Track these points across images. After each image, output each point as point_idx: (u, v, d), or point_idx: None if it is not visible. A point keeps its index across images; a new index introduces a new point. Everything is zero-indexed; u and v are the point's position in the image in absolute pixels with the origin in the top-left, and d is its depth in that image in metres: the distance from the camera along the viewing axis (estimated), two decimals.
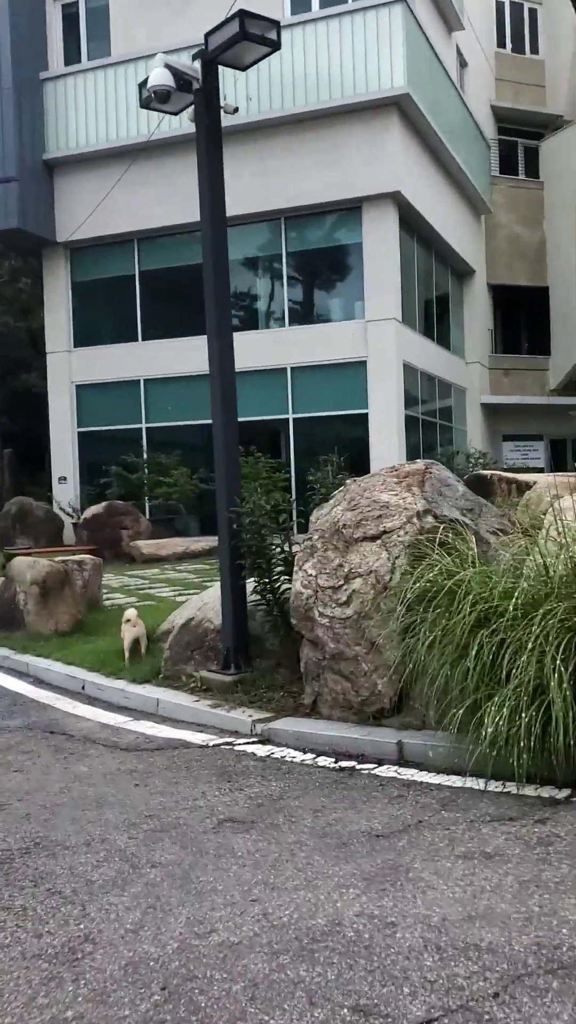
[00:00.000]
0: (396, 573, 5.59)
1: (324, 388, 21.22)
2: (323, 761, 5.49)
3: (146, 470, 21.21)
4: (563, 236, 28.94)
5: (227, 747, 5.97)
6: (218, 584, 8.36)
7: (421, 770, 5.14)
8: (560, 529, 4.98)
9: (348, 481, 6.78)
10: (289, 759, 5.60)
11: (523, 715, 4.33)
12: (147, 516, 20.35)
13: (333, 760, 5.48)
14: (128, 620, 8.08)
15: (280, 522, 7.02)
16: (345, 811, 4.61)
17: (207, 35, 7.18)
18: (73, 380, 23.29)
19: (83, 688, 7.84)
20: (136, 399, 22.79)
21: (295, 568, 6.34)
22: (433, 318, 24.43)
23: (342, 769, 5.32)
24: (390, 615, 5.52)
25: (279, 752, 5.75)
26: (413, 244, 22.43)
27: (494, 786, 4.71)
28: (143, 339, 22.85)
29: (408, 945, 3.21)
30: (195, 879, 3.91)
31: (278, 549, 7.04)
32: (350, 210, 21.07)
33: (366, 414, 20.74)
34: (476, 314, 27.80)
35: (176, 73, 7.11)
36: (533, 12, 31.21)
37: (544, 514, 6.02)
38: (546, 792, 4.59)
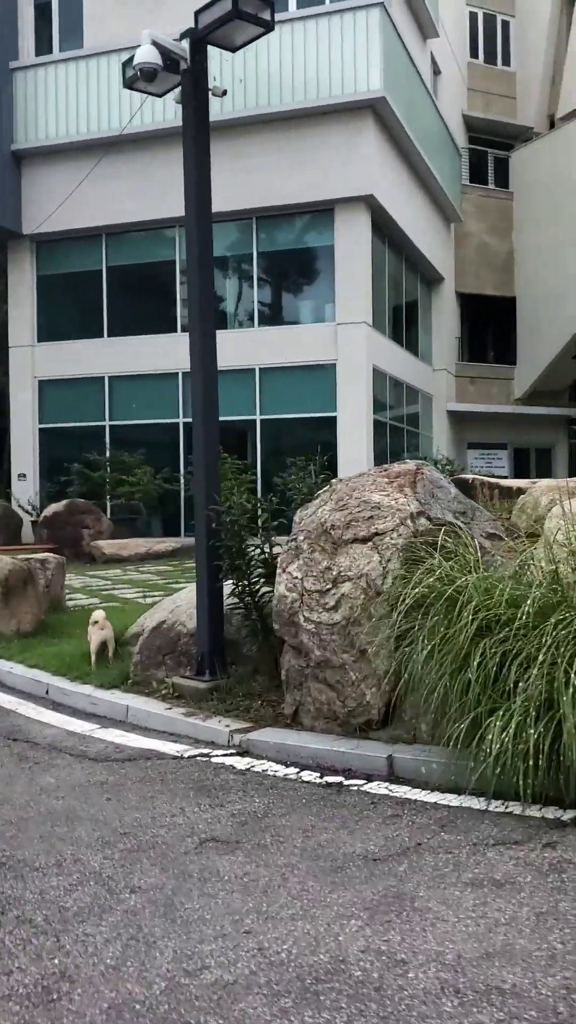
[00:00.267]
0: (389, 577, 5.30)
1: (292, 390, 20.95)
2: (308, 776, 5.17)
3: (108, 468, 20.77)
4: (531, 247, 28.99)
5: (203, 759, 5.63)
6: (190, 586, 8.04)
7: (414, 787, 4.85)
8: (570, 534, 4.72)
9: (334, 480, 6.49)
10: (271, 773, 5.28)
11: (531, 731, 4.05)
12: (108, 515, 19.92)
13: (318, 775, 5.16)
14: (95, 622, 7.71)
15: (261, 522, 6.70)
16: (337, 831, 4.30)
17: (197, 13, 6.85)
18: (36, 375, 22.78)
19: (47, 693, 7.46)
20: (100, 396, 22.34)
21: (278, 570, 6.02)
22: (402, 324, 24.26)
23: (329, 785, 5.00)
24: (381, 621, 5.23)
25: (259, 765, 5.43)
26: (384, 249, 22.26)
27: (495, 806, 4.42)
28: (109, 335, 22.41)
29: (423, 987, 2.90)
30: (180, 906, 3.58)
31: (258, 551, 6.72)
32: (322, 212, 20.83)
33: (334, 417, 20.50)
34: (444, 321, 27.72)
35: (163, 52, 6.78)
36: (506, 24, 31.28)
37: (542, 519, 5.77)
38: (550, 813, 4.31)
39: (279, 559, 6.07)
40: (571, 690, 3.98)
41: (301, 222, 21.49)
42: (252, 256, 21.50)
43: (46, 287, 23.09)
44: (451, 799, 4.61)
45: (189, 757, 5.68)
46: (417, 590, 4.69)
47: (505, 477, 27.00)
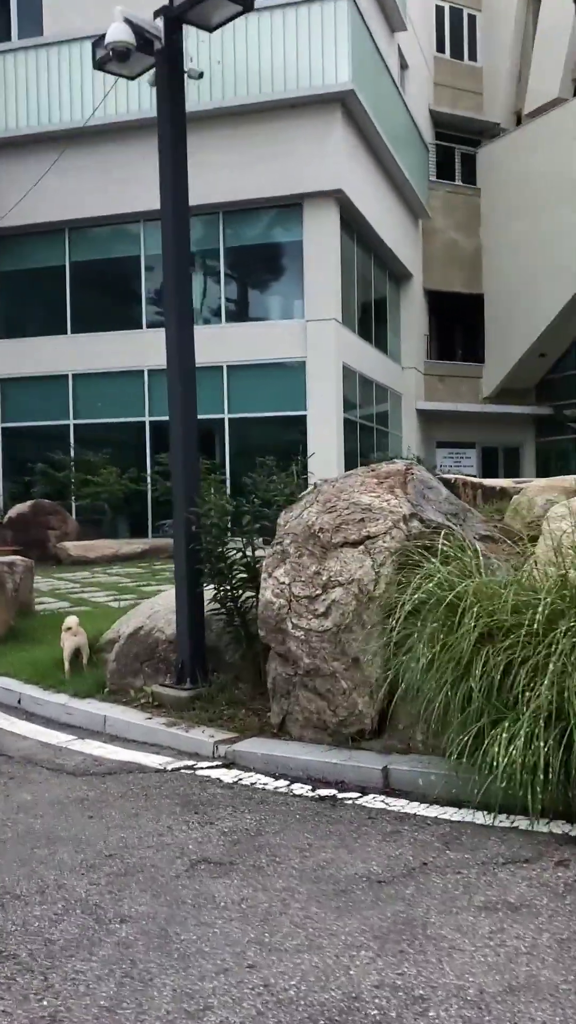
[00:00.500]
0: (381, 582, 5.09)
1: (261, 388, 20.73)
2: (299, 789, 4.95)
3: (73, 468, 20.41)
4: (499, 244, 28.99)
5: (188, 771, 5.40)
6: (168, 590, 7.80)
7: (411, 800, 4.65)
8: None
9: (318, 481, 6.28)
10: (260, 786, 5.05)
11: (540, 743, 3.86)
12: (74, 516, 19.57)
13: (310, 788, 4.95)
14: (69, 628, 7.44)
15: (243, 524, 6.47)
16: (336, 850, 4.09)
17: None
18: None
19: (19, 702, 7.17)
20: (64, 394, 21.98)
21: (263, 575, 5.80)
22: (371, 321, 24.13)
23: (322, 799, 4.79)
24: (374, 628, 5.03)
25: (247, 777, 5.21)
26: (353, 245, 22.10)
27: (500, 820, 4.24)
28: (72, 332, 22.04)
29: None
30: (175, 937, 3.35)
31: (239, 554, 6.49)
32: (290, 207, 20.63)
33: (304, 416, 20.31)
34: (412, 319, 27.63)
35: (136, 31, 6.51)
36: (472, 19, 31.24)
37: (538, 520, 5.60)
38: (558, 828, 4.13)
39: (264, 563, 5.85)
40: None
41: (269, 217, 21.26)
42: (219, 251, 21.24)
43: (7, 282, 22.66)
44: (452, 813, 4.41)
45: (173, 770, 5.44)
46: (417, 596, 4.49)
47: (474, 476, 27.06)
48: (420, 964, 3.06)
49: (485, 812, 4.29)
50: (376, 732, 5.17)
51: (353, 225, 21.73)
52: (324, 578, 5.30)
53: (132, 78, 7.08)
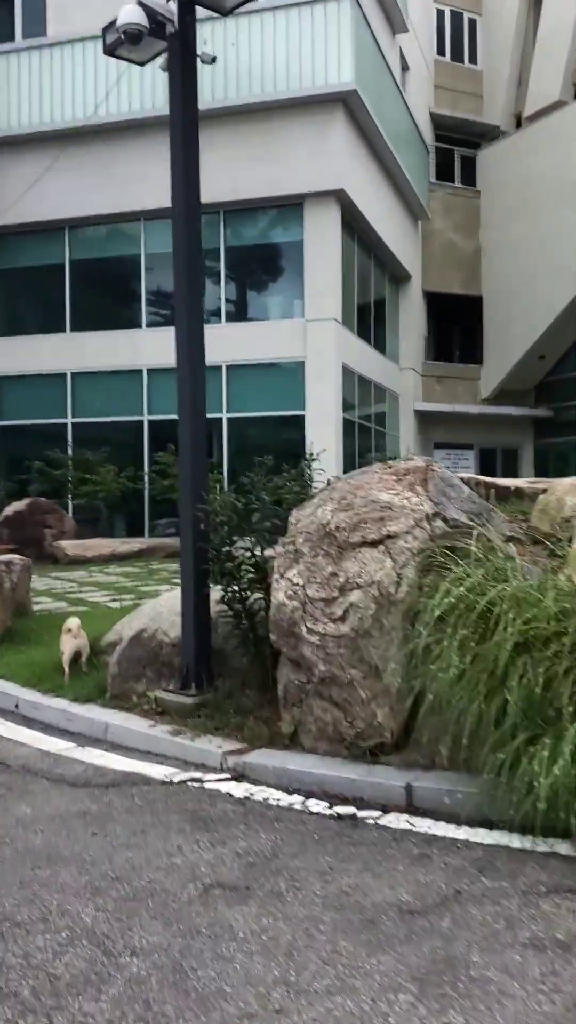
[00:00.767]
0: (403, 584, 4.81)
1: (260, 388, 20.43)
2: (315, 806, 4.66)
3: (71, 467, 20.11)
4: (498, 246, 28.77)
5: (195, 784, 5.10)
6: (172, 591, 7.51)
7: (437, 820, 4.35)
8: None
9: (331, 478, 6.00)
10: (273, 802, 4.76)
11: None
12: (70, 515, 19.26)
13: (327, 805, 4.65)
14: (69, 630, 7.13)
15: (252, 522, 6.18)
16: (360, 875, 3.80)
17: None
18: None
19: (16, 707, 6.87)
20: (62, 393, 21.66)
21: (274, 576, 5.51)
22: (370, 321, 23.85)
23: (340, 817, 4.50)
24: (395, 634, 4.74)
25: (259, 792, 4.91)
26: (353, 245, 21.82)
27: (537, 844, 3.95)
28: (71, 330, 21.73)
29: None
30: (191, 974, 3.06)
31: (248, 553, 6.20)
32: (291, 206, 20.35)
33: (303, 416, 20.03)
34: (411, 320, 27.38)
35: (149, 13, 6.23)
36: (472, 22, 31.04)
37: (568, 520, 5.32)
38: None
39: (275, 563, 5.56)
40: None
41: (269, 217, 20.99)
42: (219, 251, 20.93)
43: (6, 280, 22.36)
44: (483, 835, 4.12)
45: (179, 782, 5.14)
46: (447, 600, 4.20)
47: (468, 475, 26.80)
48: (468, 1012, 2.76)
49: (521, 835, 4.00)
50: (396, 746, 4.87)
51: (354, 225, 21.47)
52: (341, 580, 5.01)
53: (142, 63, 6.83)
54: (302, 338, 20.01)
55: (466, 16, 30.68)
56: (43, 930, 3.40)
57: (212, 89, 19.67)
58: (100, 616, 9.17)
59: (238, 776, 5.16)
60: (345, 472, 18.14)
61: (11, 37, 22.24)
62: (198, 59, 6.46)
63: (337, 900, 3.56)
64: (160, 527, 21.08)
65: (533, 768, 3.71)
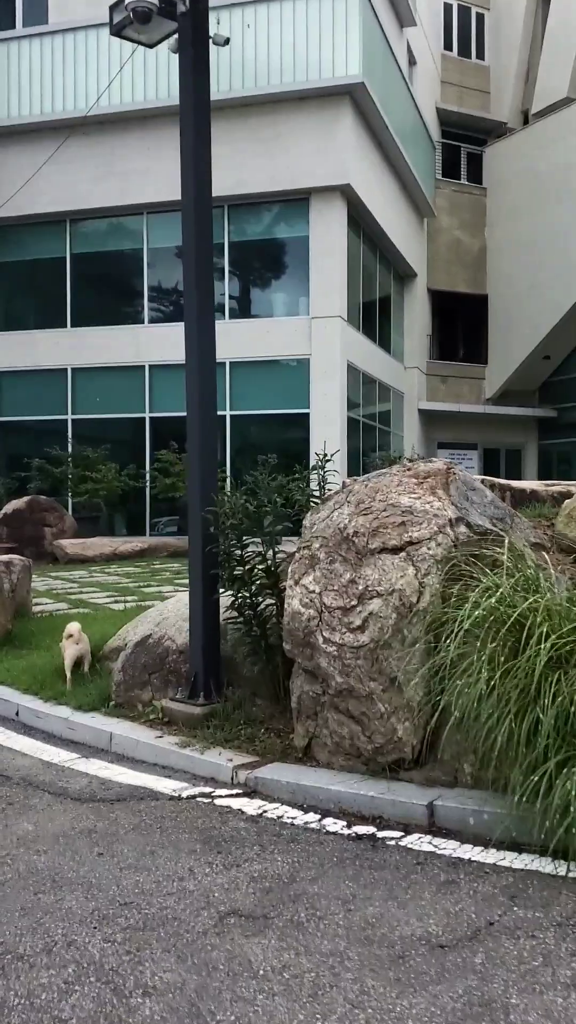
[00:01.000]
0: (426, 593, 4.58)
1: (263, 385, 20.22)
2: (332, 825, 4.44)
3: (71, 464, 19.89)
4: (504, 244, 28.54)
5: (205, 800, 4.88)
6: (178, 595, 7.30)
7: (462, 841, 4.13)
8: None
9: (347, 480, 5.77)
10: (288, 820, 4.53)
11: None
12: (70, 513, 19.04)
13: (344, 824, 4.43)
14: (70, 635, 6.91)
15: (264, 526, 5.95)
16: (384, 903, 3.58)
17: None
18: None
19: (17, 714, 6.65)
20: (62, 389, 21.46)
21: (288, 582, 5.28)
22: (375, 319, 23.64)
23: (360, 837, 4.27)
24: (416, 645, 4.52)
25: (272, 809, 4.69)
26: (359, 242, 21.61)
27: (573, 871, 3.73)
28: (72, 326, 21.51)
29: None
30: (210, 1017, 2.83)
31: (259, 558, 5.97)
32: (297, 201, 20.14)
33: (307, 414, 19.83)
34: (416, 318, 27.16)
35: None
36: (480, 17, 30.78)
37: None
38: None
39: (290, 569, 5.33)
40: None
41: (274, 212, 20.76)
42: (223, 246, 20.70)
43: (6, 274, 22.14)
44: (513, 859, 3.90)
45: (188, 798, 4.92)
46: (478, 612, 3.98)
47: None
48: None
49: (553, 860, 3.78)
50: (417, 762, 4.65)
51: (359, 221, 21.25)
52: (360, 587, 4.79)
53: (151, 46, 6.57)
54: (307, 335, 19.80)
55: (474, 11, 30.44)
56: (47, 964, 3.18)
57: (217, 81, 19.39)
58: (103, 618, 8.95)
59: (250, 792, 4.94)
60: (349, 473, 17.93)
61: (11, 24, 22.01)
62: (210, 41, 6.21)
63: (362, 932, 3.34)
64: (161, 526, 20.87)
65: (568, 791, 3.49)
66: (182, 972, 3.11)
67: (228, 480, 16.87)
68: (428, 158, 27.23)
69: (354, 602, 4.79)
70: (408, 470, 5.36)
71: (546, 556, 4.56)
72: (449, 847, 4.09)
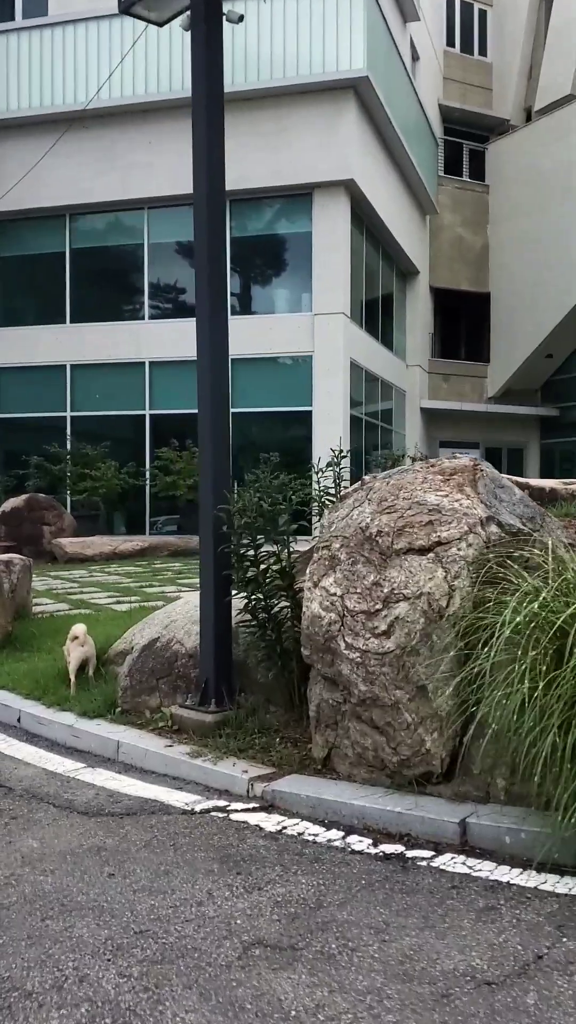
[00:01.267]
0: (456, 597, 4.32)
1: (265, 383, 19.94)
2: (356, 843, 4.17)
3: (70, 462, 19.60)
4: (507, 242, 28.31)
5: (220, 815, 4.61)
6: (186, 596, 7.04)
7: (498, 862, 3.87)
8: None
9: (367, 477, 5.51)
10: (310, 838, 4.27)
11: None
12: (69, 511, 18.76)
13: (371, 842, 4.17)
14: (75, 638, 6.64)
15: (279, 525, 5.69)
16: (420, 932, 3.31)
17: None
18: None
19: (19, 720, 6.38)
20: (61, 385, 21.17)
21: (307, 584, 5.02)
22: (377, 317, 23.38)
23: (387, 857, 4.01)
24: (445, 651, 4.26)
25: (292, 825, 4.42)
26: (362, 238, 21.34)
27: None
28: (71, 322, 21.22)
29: None
30: None
31: (273, 559, 5.71)
32: (300, 196, 19.88)
33: (309, 411, 19.57)
34: (418, 316, 26.91)
35: None
36: (483, 13, 30.56)
37: None
38: None
39: (308, 570, 5.07)
40: None
41: (277, 207, 20.49)
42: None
43: (5, 269, 21.84)
44: (556, 883, 3.64)
45: (202, 812, 4.66)
46: (519, 619, 3.71)
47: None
48: None
49: None
50: (445, 775, 4.39)
51: (362, 217, 20.99)
52: (385, 590, 4.52)
53: (161, 24, 6.33)
54: (309, 332, 19.54)
55: (476, 7, 30.22)
56: (58, 1003, 2.91)
57: None
58: (106, 620, 8.68)
59: (267, 805, 4.67)
60: (352, 472, 17.66)
61: (11, 16, 21.71)
62: (224, 18, 5.95)
63: (400, 966, 3.08)
64: (160, 524, 20.60)
65: None
66: (206, 1013, 2.84)
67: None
68: (431, 154, 26.98)
69: (379, 606, 4.53)
70: (432, 466, 5.10)
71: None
72: (485, 869, 3.82)
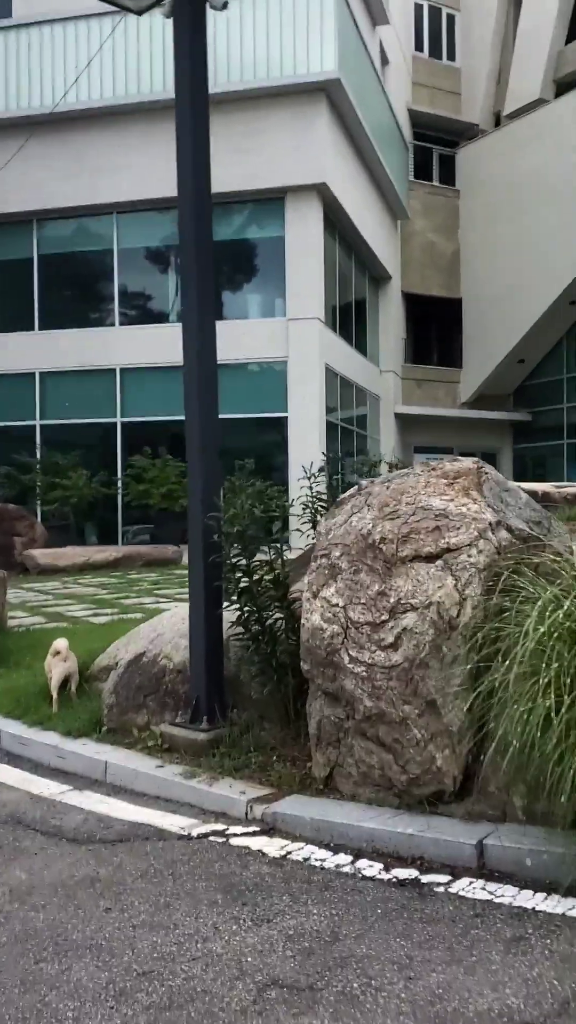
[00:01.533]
0: (467, 606, 4.11)
1: (239, 388, 19.66)
2: (367, 867, 3.94)
3: (40, 471, 19.24)
4: (478, 247, 28.31)
5: (219, 840, 4.36)
6: (173, 608, 6.79)
7: (520, 887, 3.65)
8: None
9: (364, 482, 5.29)
10: (316, 863, 4.03)
11: None
12: (40, 521, 18.40)
13: (382, 867, 3.93)
14: (57, 652, 6.36)
15: (272, 532, 5.46)
16: (447, 968, 3.08)
17: None
18: None
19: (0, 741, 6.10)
20: (30, 393, 20.80)
21: (305, 594, 4.79)
22: (351, 322, 23.24)
23: (402, 883, 3.78)
24: (456, 664, 4.05)
25: (297, 850, 4.18)
26: (334, 243, 21.18)
27: None
28: (40, 328, 20.88)
29: None
30: None
31: (267, 568, 5.47)
32: (272, 200, 19.70)
33: (284, 417, 19.35)
34: (391, 322, 26.81)
35: None
36: (451, 18, 30.58)
37: None
38: None
39: (306, 580, 4.84)
40: None
41: (249, 211, 20.28)
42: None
43: None
44: None
45: (199, 837, 4.40)
46: (542, 630, 3.50)
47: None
48: None
49: None
50: (457, 794, 4.17)
51: (335, 222, 20.84)
52: (391, 600, 4.30)
53: (140, 12, 6.08)
54: (284, 338, 19.34)
55: (444, 11, 30.23)
56: None
57: None
58: (85, 633, 8.41)
59: (268, 828, 4.43)
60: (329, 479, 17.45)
61: None
62: (207, 3, 5.72)
63: (430, 1007, 2.85)
64: (131, 534, 20.28)
65: None
66: None
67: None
68: (401, 159, 26.91)
69: (385, 616, 4.30)
70: (434, 469, 4.89)
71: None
72: (507, 894, 3.60)
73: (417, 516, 4.45)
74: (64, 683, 6.42)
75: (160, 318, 20.65)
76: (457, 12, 30.33)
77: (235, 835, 4.38)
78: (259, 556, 5.41)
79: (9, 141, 19.81)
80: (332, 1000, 2.92)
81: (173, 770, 5.11)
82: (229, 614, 5.61)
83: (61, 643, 6.38)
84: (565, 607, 3.55)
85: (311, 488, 5.90)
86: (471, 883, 3.72)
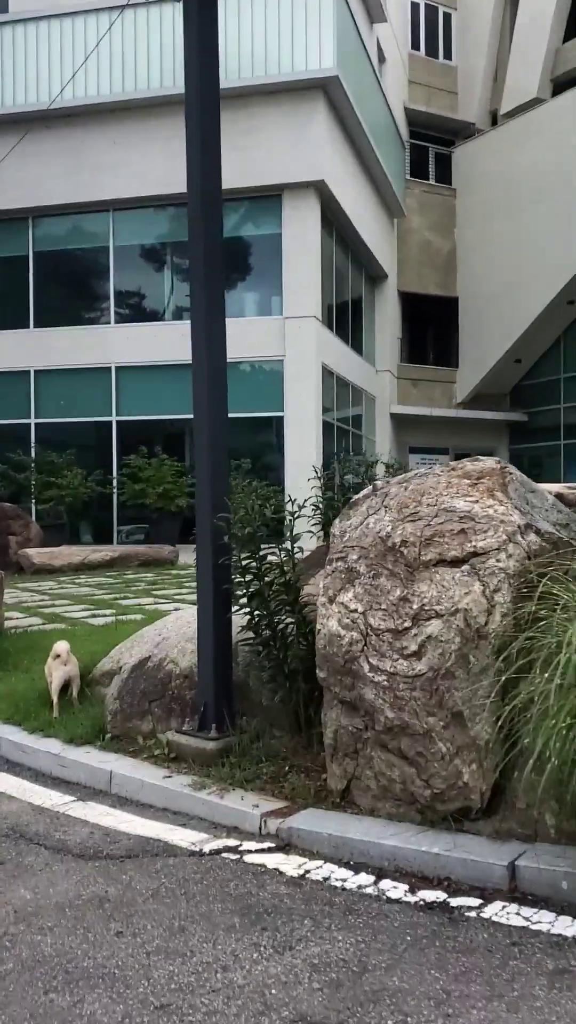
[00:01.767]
0: (496, 614, 3.91)
1: (236, 387, 19.32)
2: (391, 889, 3.74)
3: (34, 470, 19.00)
4: (474, 246, 28.14)
5: (232, 856, 4.15)
6: (179, 611, 6.58)
7: (557, 912, 3.45)
8: None
9: (379, 481, 5.10)
10: (337, 883, 3.82)
11: None
12: (34, 520, 18.16)
13: (407, 888, 3.73)
14: (58, 656, 6.15)
15: (282, 534, 5.25)
16: (488, 1004, 2.88)
17: None
18: None
19: None
20: (25, 391, 20.56)
21: (321, 599, 4.59)
22: (348, 321, 23.04)
23: (430, 906, 3.58)
24: (483, 674, 3.86)
25: (315, 868, 3.97)
26: (331, 242, 20.99)
27: None
28: (35, 326, 20.63)
29: None
30: None
31: (278, 570, 5.27)
32: (269, 197, 19.47)
33: (281, 417, 19.15)
34: (387, 321, 26.62)
35: None
36: (448, 17, 30.37)
37: None
38: None
39: (322, 585, 4.64)
40: None
41: (246, 208, 20.06)
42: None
43: None
44: None
45: (212, 853, 4.20)
46: None
47: None
48: None
49: None
50: (485, 811, 3.97)
51: (332, 220, 20.64)
52: (414, 606, 4.10)
53: None
54: (280, 336, 19.13)
55: (441, 10, 30.02)
56: None
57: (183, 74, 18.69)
58: (85, 635, 8.20)
59: (283, 845, 4.22)
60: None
61: None
62: None
63: None
64: (125, 534, 20.06)
65: None
66: None
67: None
68: (398, 157, 26.74)
69: (407, 623, 4.10)
70: (454, 469, 4.69)
71: None
72: (544, 920, 3.41)
73: (440, 518, 4.25)
74: (65, 688, 6.21)
75: (156, 316, 20.44)
76: (453, 10, 30.15)
77: (249, 851, 4.18)
78: (268, 558, 5.21)
79: (4, 137, 19.52)
80: None
81: (181, 781, 4.90)
82: (237, 618, 5.42)
83: (62, 646, 6.17)
84: None
85: (322, 489, 5.71)
86: (504, 907, 3.53)
